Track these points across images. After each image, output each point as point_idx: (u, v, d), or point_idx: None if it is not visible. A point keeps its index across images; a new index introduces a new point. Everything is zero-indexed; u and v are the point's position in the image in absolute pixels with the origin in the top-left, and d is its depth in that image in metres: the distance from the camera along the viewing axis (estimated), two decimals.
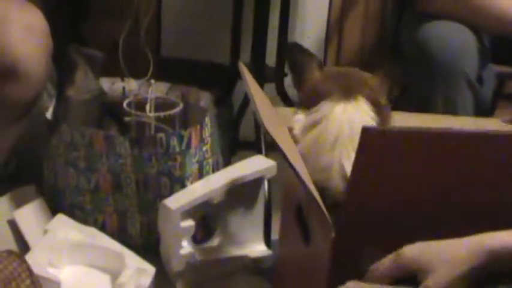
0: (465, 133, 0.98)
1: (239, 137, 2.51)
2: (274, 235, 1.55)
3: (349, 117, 1.17)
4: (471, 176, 0.98)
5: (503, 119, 1.62)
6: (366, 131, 0.93)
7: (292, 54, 1.33)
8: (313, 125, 1.19)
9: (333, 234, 0.93)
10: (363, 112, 1.19)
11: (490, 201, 0.97)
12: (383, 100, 1.24)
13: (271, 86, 2.46)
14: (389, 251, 0.94)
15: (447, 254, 0.91)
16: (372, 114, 1.20)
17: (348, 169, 1.08)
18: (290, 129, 1.24)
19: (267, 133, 1.01)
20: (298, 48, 1.35)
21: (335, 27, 2.85)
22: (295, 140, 1.19)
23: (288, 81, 2.53)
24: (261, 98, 1.19)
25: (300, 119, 1.22)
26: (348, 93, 1.20)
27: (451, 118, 1.61)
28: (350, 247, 0.91)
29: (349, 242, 0.90)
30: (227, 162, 1.65)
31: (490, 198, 0.98)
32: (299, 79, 1.30)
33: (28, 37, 1.49)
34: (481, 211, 0.96)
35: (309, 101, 1.23)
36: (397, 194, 0.94)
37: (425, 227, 0.93)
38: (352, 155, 1.00)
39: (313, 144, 1.18)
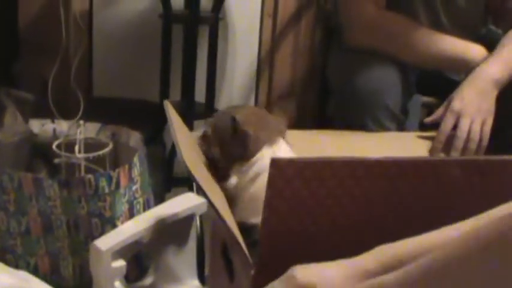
0: (370, 161, 1.01)
1: (173, 174, 2.52)
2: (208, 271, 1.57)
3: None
4: (379, 203, 1.02)
5: (427, 119, 1.67)
6: (274, 162, 0.96)
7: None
8: (253, 177, 1.23)
9: (253, 272, 0.95)
10: (285, 151, 1.24)
11: (402, 227, 1.01)
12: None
13: (201, 123, 2.49)
14: None
15: (329, 278, 0.92)
16: (290, 150, 1.25)
17: None
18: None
19: (188, 173, 1.03)
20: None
21: (265, 63, 2.90)
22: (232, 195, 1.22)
23: None
24: (185, 137, 1.21)
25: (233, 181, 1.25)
26: (271, 138, 1.25)
27: (376, 135, 1.66)
28: (270, 281, 0.93)
29: (269, 276, 0.91)
30: (160, 200, 1.66)
31: (401, 224, 1.01)
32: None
33: None
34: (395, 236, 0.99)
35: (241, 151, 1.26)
36: (310, 223, 0.97)
37: (339, 254, 0.95)
38: None
39: (252, 193, 1.22)
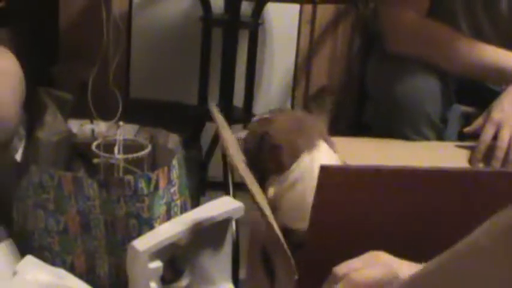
0: (418, 170, 1.01)
1: (208, 178, 2.52)
2: (243, 275, 1.57)
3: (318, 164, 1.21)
4: (427, 212, 1.01)
5: (467, 129, 1.66)
6: (324, 170, 0.96)
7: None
8: (292, 184, 1.22)
9: (296, 276, 0.95)
10: (328, 155, 1.23)
11: (446, 236, 1.00)
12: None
13: (239, 127, 2.49)
14: None
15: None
16: (333, 153, 1.24)
17: None
18: None
19: (241, 176, 1.03)
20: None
21: (302, 69, 2.90)
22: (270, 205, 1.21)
23: None
24: (231, 141, 1.21)
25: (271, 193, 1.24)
26: (310, 143, 1.24)
27: (416, 144, 1.65)
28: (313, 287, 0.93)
29: (312, 282, 0.91)
30: (195, 203, 1.67)
31: (446, 233, 1.01)
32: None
33: (1, 82, 1.50)
34: (439, 245, 0.99)
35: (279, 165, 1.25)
36: (357, 231, 0.96)
37: None
38: None
39: (292, 199, 1.21)
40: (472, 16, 1.83)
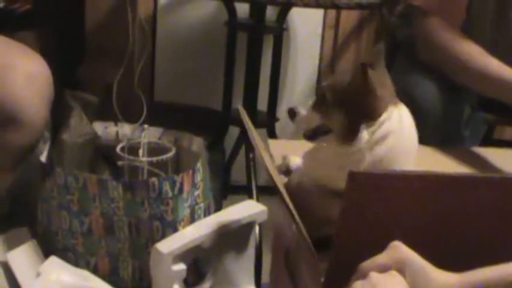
0: (446, 176, 1.00)
1: (231, 181, 2.53)
2: (266, 279, 1.57)
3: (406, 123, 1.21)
4: (455, 218, 1.01)
5: None
6: (352, 175, 0.96)
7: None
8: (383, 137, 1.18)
9: (323, 279, 0.95)
10: (407, 116, 1.23)
11: (476, 242, 1.00)
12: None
13: (262, 131, 2.50)
14: None
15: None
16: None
17: None
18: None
19: (271, 180, 1.03)
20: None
21: (326, 72, 2.90)
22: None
23: (278, 125, 2.57)
24: (260, 142, 1.21)
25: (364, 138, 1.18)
26: (392, 97, 1.21)
27: (439, 150, 1.64)
28: None
29: (338, 286, 0.91)
30: (218, 207, 1.67)
31: (476, 239, 1.00)
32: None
33: (31, 85, 1.52)
34: (468, 251, 0.99)
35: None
36: (385, 236, 0.96)
37: None
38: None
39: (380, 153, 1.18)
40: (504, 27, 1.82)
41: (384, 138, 1.17)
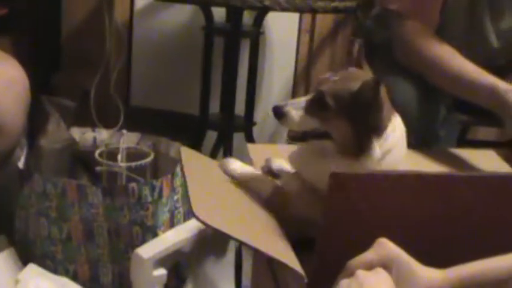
0: (426, 175, 1.01)
1: None
2: (247, 281, 1.57)
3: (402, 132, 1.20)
4: (439, 216, 1.01)
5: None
6: (334, 175, 0.96)
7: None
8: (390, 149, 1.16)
9: (306, 280, 0.95)
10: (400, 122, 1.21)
11: (460, 239, 1.01)
12: None
13: (240, 135, 2.50)
14: None
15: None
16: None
17: None
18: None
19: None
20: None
21: (302, 77, 2.91)
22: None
23: (256, 130, 2.57)
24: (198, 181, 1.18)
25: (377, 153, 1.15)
26: (391, 107, 1.19)
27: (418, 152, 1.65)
28: None
29: (323, 286, 0.92)
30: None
31: (460, 237, 1.01)
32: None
33: (8, 91, 1.51)
34: (452, 248, 1.00)
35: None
36: (368, 235, 0.96)
37: None
38: None
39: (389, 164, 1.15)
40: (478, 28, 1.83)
41: (390, 150, 1.15)
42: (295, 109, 1.17)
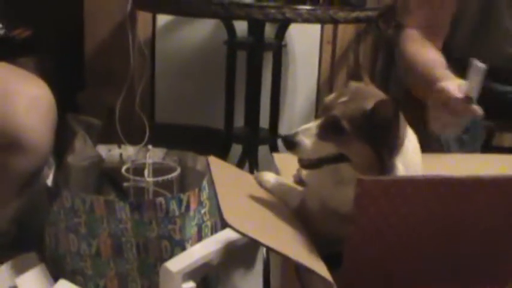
0: (452, 179, 1.00)
1: None
2: None
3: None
4: (465, 221, 1.01)
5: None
6: (360, 182, 0.96)
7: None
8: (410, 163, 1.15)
9: (335, 287, 0.95)
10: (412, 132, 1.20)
11: (486, 245, 1.01)
12: None
13: (265, 148, 2.50)
14: None
15: None
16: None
17: None
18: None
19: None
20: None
21: (325, 87, 2.91)
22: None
23: (281, 142, 2.58)
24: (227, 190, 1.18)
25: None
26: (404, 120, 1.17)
27: (445, 156, 1.64)
28: None
29: None
30: (225, 224, 1.67)
31: (486, 242, 1.01)
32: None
33: (34, 110, 1.52)
34: (478, 255, 0.99)
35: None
36: (393, 240, 0.96)
37: (424, 276, 0.94)
38: None
39: None
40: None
41: (410, 162, 1.15)
42: (307, 137, 1.14)
